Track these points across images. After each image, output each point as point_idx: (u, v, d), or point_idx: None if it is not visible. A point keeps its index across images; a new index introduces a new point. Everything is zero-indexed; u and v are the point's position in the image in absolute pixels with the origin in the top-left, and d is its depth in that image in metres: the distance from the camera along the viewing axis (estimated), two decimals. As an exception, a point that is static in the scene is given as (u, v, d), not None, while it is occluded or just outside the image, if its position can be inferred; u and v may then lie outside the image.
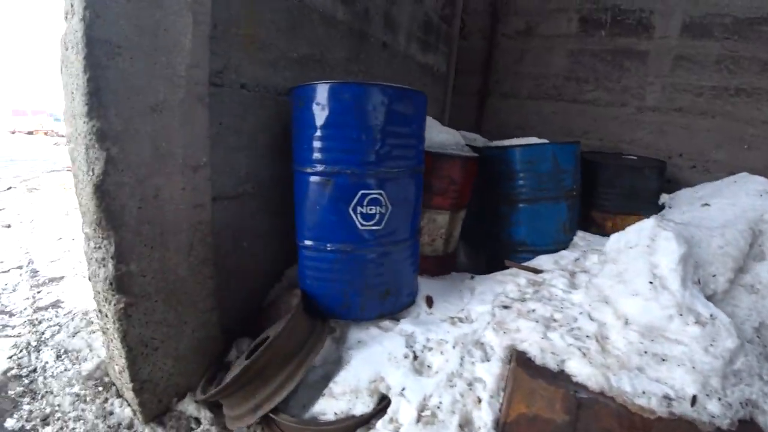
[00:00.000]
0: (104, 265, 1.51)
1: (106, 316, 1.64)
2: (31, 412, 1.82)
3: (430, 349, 1.81)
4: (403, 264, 2.02)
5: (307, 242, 1.93)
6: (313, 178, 1.82)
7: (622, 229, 3.17)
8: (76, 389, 1.91)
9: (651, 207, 3.17)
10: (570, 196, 2.84)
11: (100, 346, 2.08)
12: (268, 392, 1.54)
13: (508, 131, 4.20)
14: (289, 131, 1.95)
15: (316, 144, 1.78)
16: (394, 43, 3.21)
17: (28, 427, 1.75)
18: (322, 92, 1.74)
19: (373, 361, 1.72)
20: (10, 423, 1.76)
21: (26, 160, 12.67)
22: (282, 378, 1.56)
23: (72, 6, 1.34)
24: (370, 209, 1.81)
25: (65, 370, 2.00)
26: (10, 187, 7.30)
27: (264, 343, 1.84)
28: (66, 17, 1.41)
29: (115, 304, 1.54)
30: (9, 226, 4.74)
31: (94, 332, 2.18)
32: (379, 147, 1.78)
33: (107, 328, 1.68)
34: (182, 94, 1.57)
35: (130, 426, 1.76)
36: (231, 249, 1.94)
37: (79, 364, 2.02)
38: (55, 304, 2.59)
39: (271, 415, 1.51)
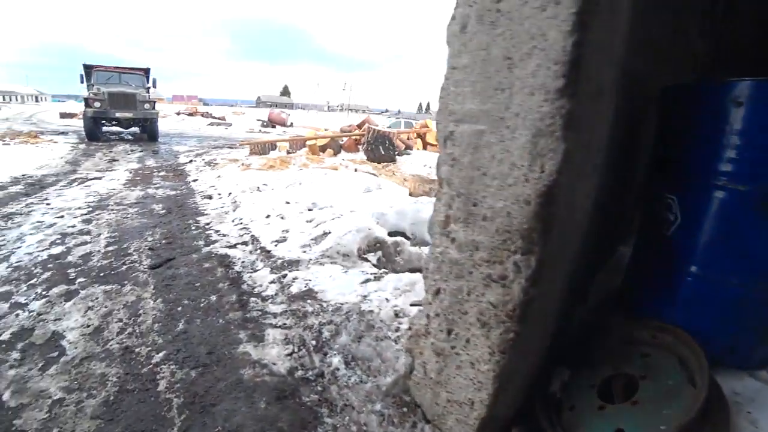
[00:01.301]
0: (504, 286, 1.15)
1: (467, 341, 1.31)
2: (335, 427, 1.59)
3: None
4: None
5: (694, 269, 1.44)
6: (722, 195, 1.33)
7: None
8: (378, 407, 1.65)
9: None
10: None
11: (392, 357, 1.81)
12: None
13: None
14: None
15: (745, 155, 1.29)
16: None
17: (337, 447, 1.53)
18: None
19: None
20: (317, 438, 1.55)
21: (192, 137, 14.22)
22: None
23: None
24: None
25: (360, 381, 1.75)
26: (191, 161, 7.94)
27: (616, 378, 1.42)
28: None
29: (502, 333, 1.19)
30: (210, 198, 4.99)
31: (381, 340, 1.92)
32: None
33: (458, 353, 1.36)
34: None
35: (450, 462, 1.44)
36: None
37: (374, 376, 1.77)
38: (309, 294, 2.43)
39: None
